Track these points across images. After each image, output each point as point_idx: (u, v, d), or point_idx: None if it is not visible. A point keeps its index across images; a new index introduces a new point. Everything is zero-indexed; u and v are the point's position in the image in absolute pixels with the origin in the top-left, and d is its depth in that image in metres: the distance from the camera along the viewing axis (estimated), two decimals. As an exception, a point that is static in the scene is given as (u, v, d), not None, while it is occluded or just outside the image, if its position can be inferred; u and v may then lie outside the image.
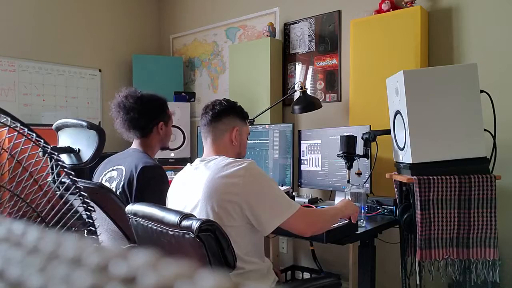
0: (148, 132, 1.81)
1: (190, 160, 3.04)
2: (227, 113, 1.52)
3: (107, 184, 1.68)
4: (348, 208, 1.58)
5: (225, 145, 1.50)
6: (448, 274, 1.64)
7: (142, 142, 1.82)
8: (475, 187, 1.58)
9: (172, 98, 3.31)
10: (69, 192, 0.82)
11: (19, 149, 0.74)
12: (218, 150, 1.49)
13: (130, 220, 1.35)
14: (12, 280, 0.21)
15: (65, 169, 0.79)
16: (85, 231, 0.89)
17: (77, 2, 3.41)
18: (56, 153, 0.77)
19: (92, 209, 0.90)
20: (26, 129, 0.69)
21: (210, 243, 1.14)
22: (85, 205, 0.87)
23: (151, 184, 1.64)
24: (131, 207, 1.34)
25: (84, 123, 1.32)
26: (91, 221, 0.89)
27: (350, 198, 1.79)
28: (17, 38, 3.06)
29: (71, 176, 0.80)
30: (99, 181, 1.75)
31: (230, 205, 1.29)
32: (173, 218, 1.17)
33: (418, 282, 1.66)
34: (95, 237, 0.90)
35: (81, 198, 0.85)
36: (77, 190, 0.83)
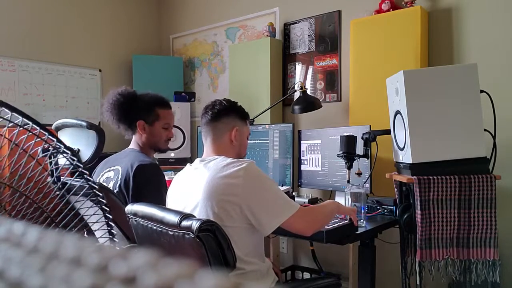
0: (134, 130, 1.81)
1: (190, 160, 3.04)
2: (227, 112, 1.51)
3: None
4: (344, 206, 1.61)
5: (225, 145, 1.50)
6: (448, 274, 1.64)
7: (137, 141, 1.83)
8: (475, 187, 1.58)
9: (172, 98, 3.31)
10: (82, 192, 0.81)
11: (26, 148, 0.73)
12: (218, 150, 1.49)
13: (130, 220, 1.35)
14: (12, 280, 0.21)
15: (81, 169, 0.77)
16: (104, 234, 0.88)
17: (77, 2, 3.41)
18: (69, 152, 0.75)
19: (107, 209, 0.88)
20: (39, 129, 0.68)
21: (210, 243, 1.14)
22: (100, 205, 0.86)
23: (148, 182, 1.64)
24: (131, 207, 1.34)
25: (84, 123, 1.32)
26: (109, 222, 0.87)
27: (350, 198, 1.79)
28: (17, 38, 3.06)
29: (85, 176, 0.79)
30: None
31: (230, 206, 1.29)
32: (173, 218, 1.17)
33: (418, 282, 1.66)
34: (113, 238, 0.88)
35: (96, 198, 0.83)
36: (92, 191, 0.82)
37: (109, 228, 0.86)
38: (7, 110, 0.64)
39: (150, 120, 1.81)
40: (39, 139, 0.73)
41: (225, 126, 1.50)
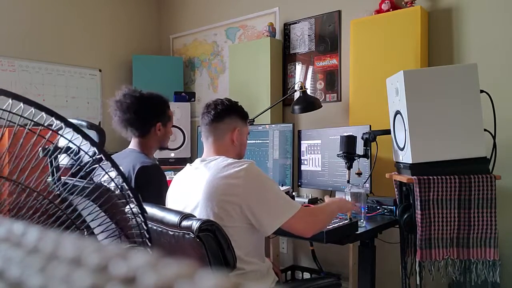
0: (145, 132, 1.80)
1: (190, 160, 3.04)
2: (228, 113, 1.51)
3: (105, 185, 1.67)
4: (346, 204, 1.62)
5: (226, 145, 1.50)
6: (448, 274, 1.64)
7: (140, 141, 1.81)
8: (475, 187, 1.58)
9: (172, 98, 3.31)
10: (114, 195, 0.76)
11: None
12: (219, 150, 1.49)
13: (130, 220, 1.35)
14: (12, 280, 0.21)
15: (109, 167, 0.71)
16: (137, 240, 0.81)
17: (77, 2, 3.41)
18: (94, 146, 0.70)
19: (140, 211, 0.80)
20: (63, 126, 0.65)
21: (210, 243, 1.14)
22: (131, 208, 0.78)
23: (149, 183, 1.64)
24: (131, 207, 1.34)
25: (84, 123, 1.32)
26: (142, 225, 0.81)
27: (350, 198, 1.79)
28: (17, 38, 3.06)
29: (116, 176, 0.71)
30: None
31: (230, 206, 1.29)
32: (173, 218, 1.17)
33: (418, 282, 1.66)
34: (147, 240, 0.83)
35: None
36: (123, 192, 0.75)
37: (142, 230, 0.80)
38: (39, 111, 0.63)
39: (165, 121, 1.84)
40: (69, 141, 0.70)
41: (227, 126, 1.50)
